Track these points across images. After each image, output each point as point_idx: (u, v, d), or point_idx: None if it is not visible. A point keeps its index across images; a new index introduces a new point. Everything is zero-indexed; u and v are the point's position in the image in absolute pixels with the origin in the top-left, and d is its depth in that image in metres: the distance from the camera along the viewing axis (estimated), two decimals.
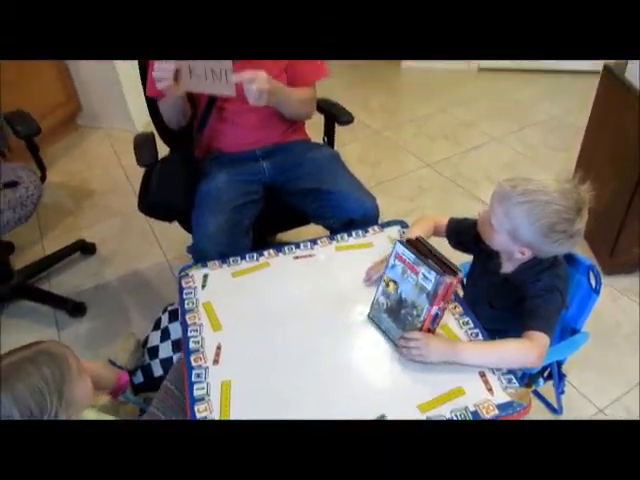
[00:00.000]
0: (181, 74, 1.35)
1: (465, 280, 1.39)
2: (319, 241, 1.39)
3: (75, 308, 1.97)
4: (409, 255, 1.04)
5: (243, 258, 1.36)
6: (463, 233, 1.30)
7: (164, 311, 1.71)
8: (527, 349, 1.04)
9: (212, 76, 1.31)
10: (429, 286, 1.00)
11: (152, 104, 1.66)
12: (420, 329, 1.06)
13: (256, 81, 1.31)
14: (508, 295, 1.19)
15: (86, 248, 2.28)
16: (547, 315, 1.10)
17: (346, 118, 1.68)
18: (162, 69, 1.31)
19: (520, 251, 1.12)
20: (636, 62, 1.78)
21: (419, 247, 1.06)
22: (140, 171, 1.60)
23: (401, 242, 1.07)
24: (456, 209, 2.37)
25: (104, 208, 2.58)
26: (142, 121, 3.23)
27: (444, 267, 1.01)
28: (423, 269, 1.01)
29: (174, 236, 2.31)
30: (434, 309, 1.03)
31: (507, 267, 1.21)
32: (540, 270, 1.14)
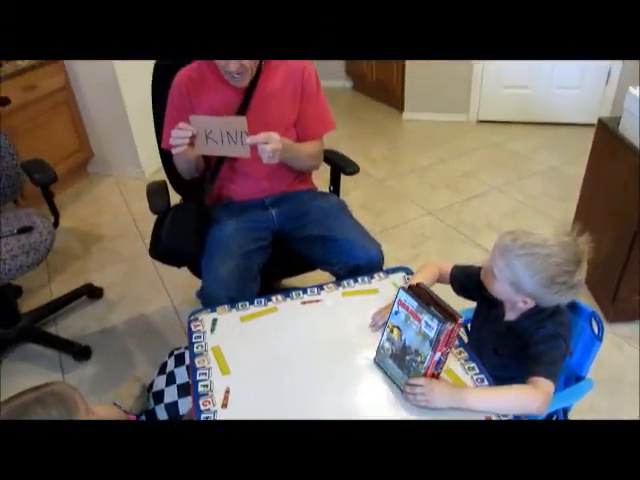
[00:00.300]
0: (197, 139, 1.41)
1: (469, 326, 1.41)
2: (326, 287, 1.43)
3: (80, 352, 1.98)
4: (411, 302, 1.07)
5: (251, 303, 1.38)
6: (466, 281, 1.33)
7: (170, 355, 1.71)
8: (532, 396, 1.05)
9: (228, 139, 1.38)
10: (431, 333, 1.03)
11: (165, 155, 1.72)
12: (425, 374, 1.07)
13: (270, 141, 1.38)
14: (512, 342, 1.21)
15: (93, 292, 2.31)
16: (551, 362, 1.11)
17: (352, 169, 1.75)
18: (179, 136, 1.38)
19: (523, 300, 1.15)
20: (629, 116, 1.87)
21: (421, 294, 1.08)
22: (148, 217, 1.65)
23: (404, 289, 1.10)
24: (459, 256, 2.44)
25: (112, 253, 2.63)
26: (152, 169, 3.34)
27: (445, 314, 1.03)
28: (425, 317, 1.04)
29: (181, 281, 2.35)
30: (437, 355, 1.05)
31: (510, 315, 1.23)
32: (543, 318, 1.17)
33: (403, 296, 1.09)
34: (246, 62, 1.44)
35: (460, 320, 1.02)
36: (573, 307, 1.29)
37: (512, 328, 1.22)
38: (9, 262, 1.69)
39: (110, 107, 3.10)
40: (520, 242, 1.11)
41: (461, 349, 1.21)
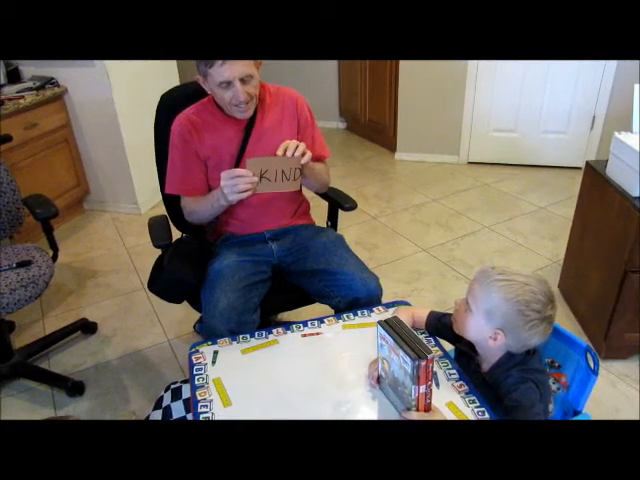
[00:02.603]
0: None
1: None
2: (326, 320, 1.44)
3: (74, 387, 1.95)
4: (388, 338, 1.09)
5: (252, 336, 1.40)
6: (442, 329, 1.35)
7: (166, 389, 1.70)
8: None
9: (282, 177, 1.42)
10: (409, 369, 1.04)
11: (168, 198, 1.75)
12: (417, 409, 1.08)
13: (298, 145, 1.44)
14: (489, 395, 1.22)
15: (87, 327, 2.29)
16: (529, 405, 1.13)
17: (350, 205, 1.80)
18: (248, 182, 1.40)
19: (494, 336, 1.16)
20: (615, 160, 1.95)
21: (396, 329, 1.09)
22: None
23: (380, 324, 1.12)
24: (452, 292, 2.46)
25: (107, 288, 2.62)
26: (147, 206, 3.37)
27: (418, 350, 1.03)
28: (401, 352, 1.05)
29: (175, 316, 2.35)
30: (422, 388, 1.06)
31: (484, 367, 1.26)
32: (510, 367, 1.19)
33: (381, 331, 1.11)
34: (252, 90, 1.50)
35: (430, 356, 1.03)
36: (569, 341, 1.32)
37: (486, 380, 1.24)
38: (8, 296, 1.69)
39: (109, 145, 3.15)
40: (499, 269, 1.16)
41: (461, 382, 1.23)
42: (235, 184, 1.41)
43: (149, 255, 2.78)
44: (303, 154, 1.43)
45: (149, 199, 3.38)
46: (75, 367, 2.10)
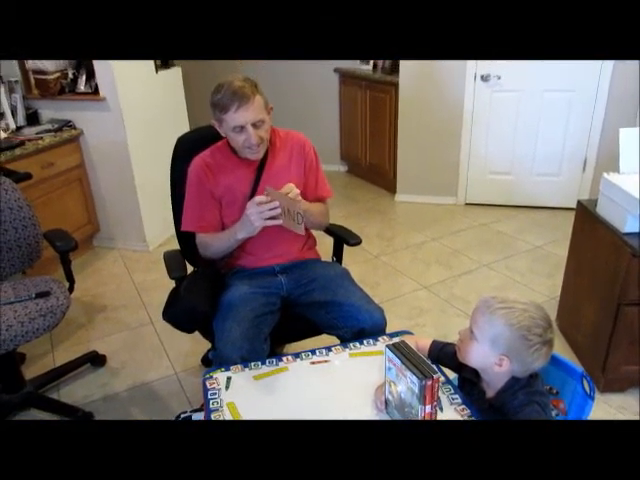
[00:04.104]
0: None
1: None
2: (333, 348, 1.51)
3: (83, 418, 1.98)
4: (396, 360, 1.17)
5: (263, 363, 1.46)
6: (445, 358, 1.42)
7: (177, 418, 1.75)
8: None
9: (288, 214, 1.52)
10: (416, 389, 1.11)
11: (181, 234, 1.86)
12: None
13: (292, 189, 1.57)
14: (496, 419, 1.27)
15: (96, 359, 2.34)
16: None
17: (355, 240, 1.90)
18: (272, 207, 1.52)
19: (499, 362, 1.22)
20: (604, 199, 2.06)
21: (403, 352, 1.17)
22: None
23: (389, 347, 1.19)
24: (453, 328, 2.52)
25: (115, 322, 2.69)
26: (156, 243, 3.47)
27: (425, 370, 1.11)
28: (408, 373, 1.13)
29: (183, 350, 2.40)
30: (427, 408, 1.12)
31: (489, 393, 1.31)
32: (516, 390, 1.24)
33: (389, 354, 1.19)
34: (263, 134, 1.62)
35: (436, 376, 1.10)
36: (566, 368, 1.39)
37: (493, 405, 1.29)
38: (27, 325, 1.76)
39: (121, 184, 3.28)
40: (499, 298, 1.24)
41: (464, 407, 1.29)
42: (261, 211, 1.52)
43: (156, 291, 2.88)
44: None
45: (157, 237, 3.48)
46: (85, 398, 2.14)
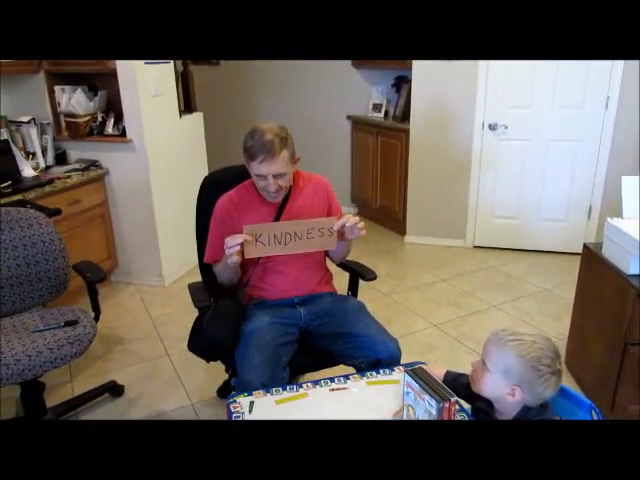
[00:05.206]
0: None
1: None
2: (351, 377, 1.58)
3: None
4: (415, 385, 1.24)
5: (284, 389, 1.53)
6: (458, 388, 1.46)
7: None
8: None
9: (274, 241, 1.63)
10: (434, 411, 1.18)
11: (205, 267, 1.96)
12: None
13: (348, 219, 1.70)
14: None
15: (115, 389, 2.40)
16: None
17: (371, 276, 2.00)
18: (230, 245, 1.61)
19: (511, 392, 1.28)
20: (609, 242, 2.16)
21: (422, 377, 1.26)
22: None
23: (408, 372, 1.28)
24: (464, 365, 2.56)
25: (132, 354, 2.75)
26: (172, 279, 3.57)
27: (442, 394, 1.19)
28: (426, 397, 1.20)
29: (198, 381, 2.46)
30: None
31: None
32: (529, 418, 1.30)
33: (408, 379, 1.27)
34: (282, 183, 1.74)
35: (453, 399, 1.18)
36: (574, 399, 1.45)
37: None
38: (56, 351, 1.84)
39: (141, 221, 3.41)
40: (510, 331, 1.32)
41: (463, 414, 1.35)
42: (226, 247, 1.62)
43: (172, 324, 2.96)
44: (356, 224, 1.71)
45: (173, 273, 3.58)
46: None
